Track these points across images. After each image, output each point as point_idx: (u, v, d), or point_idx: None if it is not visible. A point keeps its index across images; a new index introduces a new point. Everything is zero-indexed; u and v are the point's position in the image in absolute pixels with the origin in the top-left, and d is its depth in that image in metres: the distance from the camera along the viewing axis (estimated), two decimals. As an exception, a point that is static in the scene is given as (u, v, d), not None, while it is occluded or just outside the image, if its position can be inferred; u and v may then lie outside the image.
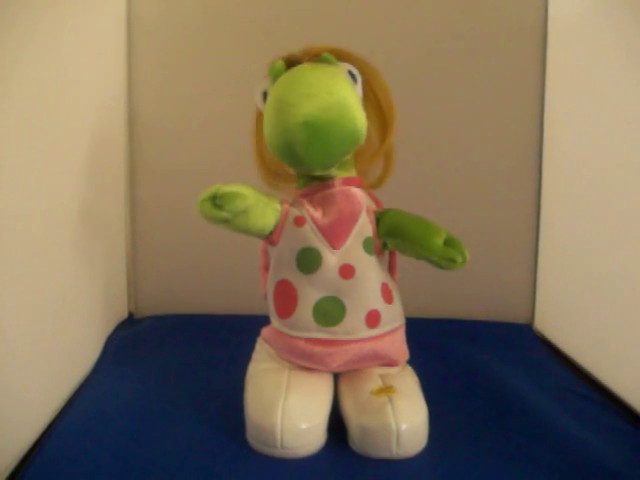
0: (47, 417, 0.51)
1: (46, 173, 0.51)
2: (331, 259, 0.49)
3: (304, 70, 0.47)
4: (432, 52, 0.77)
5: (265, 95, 0.50)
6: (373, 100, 0.51)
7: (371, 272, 0.50)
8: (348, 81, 0.47)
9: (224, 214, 0.46)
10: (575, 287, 0.68)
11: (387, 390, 0.48)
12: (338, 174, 0.50)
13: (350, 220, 0.49)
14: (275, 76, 0.49)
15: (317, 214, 0.49)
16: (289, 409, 0.45)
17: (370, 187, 0.54)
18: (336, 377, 0.52)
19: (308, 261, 0.49)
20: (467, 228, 0.78)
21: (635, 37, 0.56)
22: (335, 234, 0.49)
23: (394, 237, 0.49)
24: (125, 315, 0.80)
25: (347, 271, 0.49)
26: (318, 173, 0.49)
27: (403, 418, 0.45)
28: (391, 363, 0.52)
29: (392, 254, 0.54)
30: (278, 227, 0.50)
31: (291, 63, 0.49)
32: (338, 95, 0.45)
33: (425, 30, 0.77)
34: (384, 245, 0.50)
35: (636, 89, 0.55)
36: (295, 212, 0.50)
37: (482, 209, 0.79)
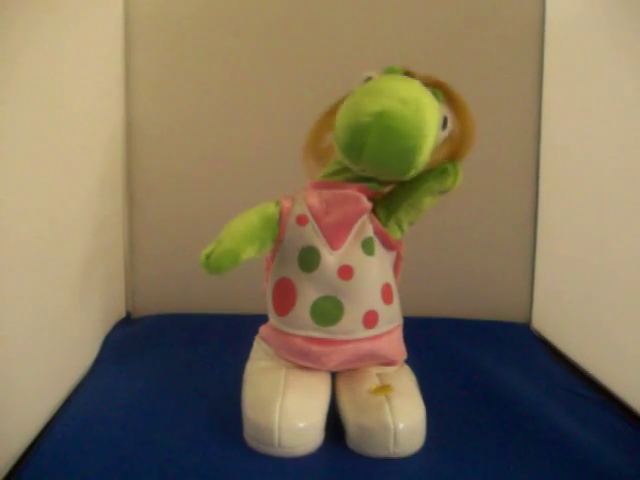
0: (45, 416, 0.51)
1: (43, 174, 0.51)
2: (330, 259, 0.49)
3: (415, 83, 0.46)
4: (429, 53, 0.76)
5: (368, 80, 0.48)
6: (455, 140, 0.50)
7: (370, 273, 0.49)
8: (438, 122, 0.46)
9: (227, 267, 0.48)
10: (572, 286, 0.68)
11: (385, 389, 0.48)
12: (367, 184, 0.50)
13: (349, 221, 0.49)
14: (388, 72, 0.48)
15: (321, 211, 0.49)
16: (287, 408, 0.45)
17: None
18: (334, 376, 0.52)
19: (308, 260, 0.49)
20: (464, 227, 0.80)
21: (632, 38, 0.56)
22: (335, 235, 0.49)
23: (397, 202, 0.49)
24: (123, 314, 0.80)
25: (346, 272, 0.49)
26: (360, 166, 0.47)
27: (401, 417, 0.45)
28: (389, 362, 0.52)
29: (397, 255, 0.53)
30: (281, 228, 0.50)
31: (408, 74, 0.48)
32: (423, 122, 0.44)
33: (423, 31, 0.77)
34: (399, 226, 0.50)
35: (633, 89, 0.55)
36: (297, 210, 0.50)
37: (479, 208, 0.80)
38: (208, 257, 0.48)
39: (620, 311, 0.58)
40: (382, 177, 0.49)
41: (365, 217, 0.50)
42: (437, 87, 0.48)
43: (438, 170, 0.48)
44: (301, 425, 0.45)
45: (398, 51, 0.76)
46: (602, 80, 0.61)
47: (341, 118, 0.46)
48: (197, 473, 0.43)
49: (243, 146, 0.78)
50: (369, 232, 0.50)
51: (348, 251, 0.49)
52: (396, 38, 0.77)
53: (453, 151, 0.49)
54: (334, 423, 0.48)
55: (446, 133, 0.48)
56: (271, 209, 0.50)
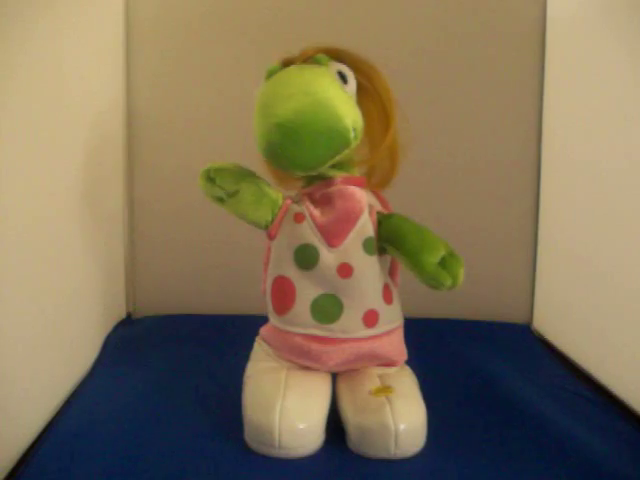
0: (45, 416, 0.51)
1: (44, 172, 0.51)
2: (328, 257, 0.49)
3: (289, 72, 0.47)
4: (431, 53, 0.77)
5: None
6: (374, 96, 0.50)
7: (371, 272, 0.49)
8: (334, 81, 0.46)
9: (217, 190, 0.49)
10: (573, 287, 0.68)
11: (385, 390, 0.48)
12: (337, 174, 0.50)
13: (349, 219, 0.49)
14: (269, 77, 0.48)
15: (316, 212, 0.50)
16: (287, 409, 0.45)
17: (378, 187, 0.53)
18: (334, 377, 0.52)
19: (305, 257, 0.49)
20: (466, 228, 0.79)
21: (633, 37, 0.56)
22: (333, 232, 0.49)
23: (391, 245, 0.49)
24: (123, 315, 0.80)
25: (345, 270, 0.49)
26: (301, 174, 0.49)
27: (401, 418, 0.45)
28: (389, 363, 0.52)
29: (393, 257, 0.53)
30: (276, 221, 0.50)
31: (287, 64, 0.49)
32: (315, 95, 0.44)
33: (424, 30, 0.77)
34: (382, 249, 0.50)
35: (634, 88, 0.55)
36: (296, 208, 0.50)
37: (481, 209, 0.80)
38: (208, 170, 0.49)
39: (621, 312, 0.57)
40: (324, 164, 0.47)
41: (366, 216, 0.50)
42: (324, 53, 0.48)
43: (435, 279, 0.45)
44: (301, 426, 0.45)
45: (400, 52, 0.76)
46: (603, 79, 0.61)
47: (257, 138, 0.47)
48: (198, 473, 0.43)
49: (246, 144, 0.78)
50: (370, 232, 0.50)
51: (348, 249, 0.49)
52: (398, 38, 0.77)
53: (382, 111, 0.50)
54: (335, 424, 0.48)
55: (352, 87, 0.48)
56: (277, 196, 0.51)
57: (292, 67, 0.48)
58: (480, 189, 0.79)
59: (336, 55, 0.49)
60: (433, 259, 0.45)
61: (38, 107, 0.49)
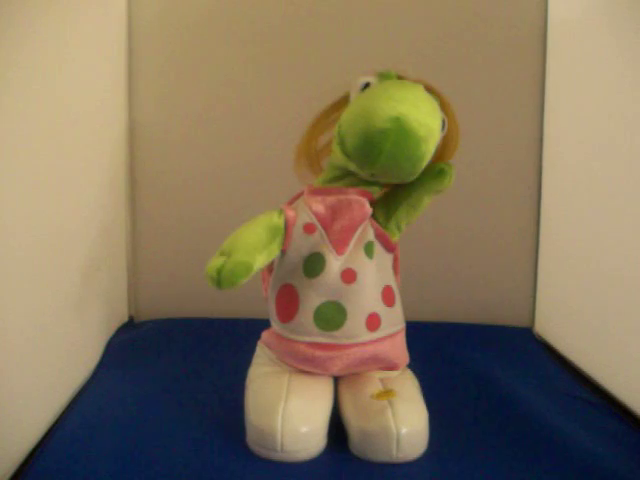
0: (48, 421, 0.51)
1: (46, 177, 0.51)
2: (334, 264, 0.49)
3: (420, 88, 0.47)
4: (432, 55, 0.77)
5: (367, 86, 0.49)
6: (443, 141, 0.50)
7: (372, 276, 0.50)
8: (440, 125, 0.47)
9: (239, 283, 0.46)
10: (575, 290, 0.68)
11: (387, 394, 0.48)
12: (373, 188, 0.51)
13: (354, 227, 0.49)
14: (384, 78, 0.48)
15: (327, 218, 0.49)
16: (289, 413, 0.45)
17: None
18: (336, 381, 0.52)
19: (313, 266, 0.49)
20: (467, 232, 0.80)
21: (635, 40, 0.56)
22: (341, 240, 0.49)
23: (397, 206, 0.50)
24: (125, 319, 0.80)
25: (349, 275, 0.49)
26: (371, 171, 0.47)
27: (403, 422, 0.45)
28: (391, 367, 0.52)
29: (395, 257, 0.53)
30: (286, 238, 0.50)
31: (399, 78, 0.49)
32: (433, 127, 0.45)
33: (425, 33, 0.77)
34: (398, 227, 0.51)
35: (636, 91, 0.55)
36: (303, 219, 0.50)
37: (482, 212, 0.80)
38: (220, 271, 0.45)
39: (623, 315, 0.57)
40: (390, 180, 0.49)
41: (366, 221, 0.50)
42: (430, 91, 0.48)
43: (435, 170, 0.49)
44: (304, 430, 0.45)
45: (400, 54, 0.76)
46: (604, 82, 0.61)
47: (351, 124, 0.46)
48: (200, 477, 0.43)
49: (247, 150, 0.78)
50: (370, 236, 0.50)
51: (352, 255, 0.49)
52: (398, 42, 0.77)
53: (441, 153, 0.51)
54: (337, 428, 0.48)
55: (442, 135, 0.49)
56: (275, 219, 0.49)
57: (422, 86, 0.47)
58: (481, 193, 0.79)
59: (439, 97, 0.49)
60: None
61: (39, 114, 0.50)
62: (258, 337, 0.56)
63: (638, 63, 0.55)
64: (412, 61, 0.77)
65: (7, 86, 0.44)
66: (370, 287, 0.50)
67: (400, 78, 0.49)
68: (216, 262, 0.45)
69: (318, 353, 0.49)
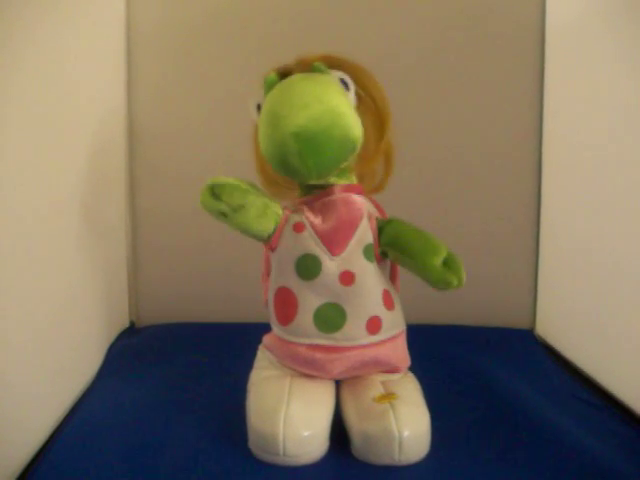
0: (49, 427, 0.51)
1: (46, 180, 0.51)
2: (331, 265, 0.49)
3: (295, 81, 0.48)
4: (430, 56, 0.77)
5: (259, 107, 0.50)
6: (368, 102, 0.51)
7: (372, 279, 0.50)
8: (340, 89, 0.48)
9: (222, 206, 0.47)
10: (576, 292, 0.68)
11: (389, 397, 0.48)
12: (337, 182, 0.50)
13: (350, 227, 0.49)
14: (268, 88, 0.49)
15: (317, 220, 0.50)
16: (291, 417, 0.45)
17: (372, 191, 0.54)
18: (338, 384, 0.52)
19: (308, 267, 0.49)
20: (467, 233, 0.80)
21: (632, 41, 0.56)
22: (334, 241, 0.49)
23: (394, 249, 0.49)
24: (126, 324, 0.80)
25: (347, 278, 0.49)
26: (314, 182, 0.49)
27: (405, 425, 0.45)
28: (393, 370, 0.52)
29: (391, 263, 0.54)
30: (277, 232, 0.50)
31: (284, 74, 0.49)
32: (329, 104, 0.45)
33: (423, 34, 0.77)
34: (383, 254, 0.50)
35: (634, 92, 0.55)
36: (295, 218, 0.50)
37: (482, 213, 0.80)
38: (212, 186, 0.48)
39: (624, 316, 0.57)
40: (333, 168, 0.48)
41: (365, 222, 0.50)
42: (335, 66, 0.49)
43: (443, 279, 0.46)
44: (306, 434, 0.45)
45: (398, 55, 0.77)
46: (603, 83, 0.61)
47: (265, 150, 0.47)
48: (202, 482, 0.43)
49: (247, 150, 0.78)
50: (370, 239, 0.50)
51: (350, 257, 0.49)
52: (396, 42, 0.77)
53: (376, 123, 0.51)
54: (339, 431, 0.48)
55: (352, 94, 0.49)
56: (277, 206, 0.50)
57: (297, 76, 0.48)
58: (481, 193, 0.79)
59: (333, 63, 0.50)
60: (437, 261, 0.47)
61: (38, 114, 0.50)
62: (259, 341, 0.56)
63: (635, 63, 0.55)
64: (411, 62, 0.78)
65: (6, 89, 0.44)
66: (370, 290, 0.49)
67: (283, 73, 0.49)
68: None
69: (318, 355, 0.49)
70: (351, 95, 0.49)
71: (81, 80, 0.60)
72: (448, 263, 0.47)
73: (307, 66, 0.49)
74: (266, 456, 0.45)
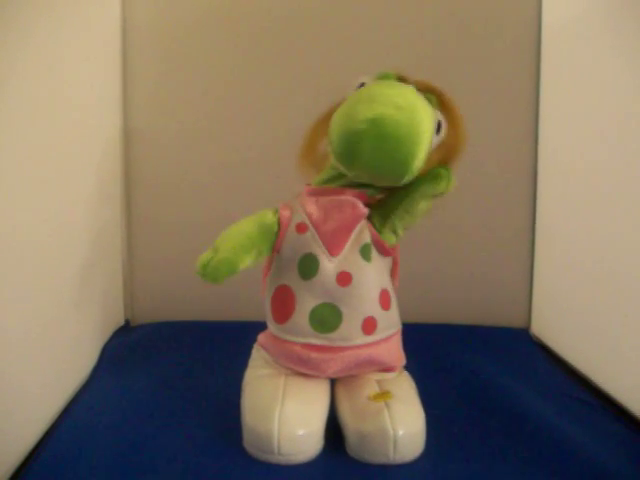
0: (44, 424, 0.50)
1: (41, 181, 0.51)
2: (328, 266, 0.49)
3: (409, 89, 0.46)
4: (426, 58, 0.77)
5: (361, 86, 0.49)
6: (447, 145, 0.50)
7: (368, 279, 0.50)
8: (431, 127, 0.45)
9: (222, 279, 0.48)
10: (572, 291, 0.68)
11: (384, 395, 0.48)
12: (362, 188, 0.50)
13: (348, 227, 0.49)
14: (379, 78, 0.48)
15: (319, 218, 0.49)
16: (286, 415, 0.45)
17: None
18: (333, 383, 0.52)
19: (307, 267, 0.49)
20: (463, 233, 0.80)
21: (629, 41, 0.56)
22: (334, 241, 0.49)
23: (389, 206, 0.49)
24: (122, 322, 0.80)
25: (344, 278, 0.49)
26: (363, 177, 0.47)
27: (400, 423, 0.45)
28: (388, 369, 0.52)
29: (394, 260, 0.53)
30: (279, 237, 0.50)
31: (400, 79, 0.49)
32: (417, 127, 0.43)
33: (419, 35, 0.77)
34: (394, 233, 0.50)
35: (631, 92, 0.55)
36: (296, 219, 0.50)
37: (478, 213, 0.80)
38: (205, 267, 0.48)
39: (619, 315, 0.58)
40: (377, 183, 0.49)
41: (363, 223, 0.50)
42: (430, 92, 0.48)
43: (431, 175, 0.48)
44: (300, 432, 0.45)
45: (395, 56, 0.76)
46: (599, 83, 0.61)
47: (335, 125, 0.46)
48: (197, 481, 0.43)
49: (242, 152, 0.78)
50: (367, 239, 0.50)
51: (347, 257, 0.49)
52: (393, 43, 0.77)
53: (444, 157, 0.50)
54: (334, 430, 0.48)
55: (439, 138, 0.48)
56: (269, 218, 0.50)
57: (413, 88, 0.46)
58: (477, 193, 0.79)
59: (438, 96, 0.49)
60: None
61: (34, 116, 0.49)
62: (254, 340, 0.56)
63: (632, 63, 0.56)
64: (409, 63, 0.77)
65: (1, 89, 0.44)
66: (367, 290, 0.49)
67: (401, 79, 0.49)
68: (205, 257, 0.48)
69: (313, 355, 0.49)
70: (436, 139, 0.48)
71: (76, 83, 0.60)
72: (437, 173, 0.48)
73: (423, 89, 0.48)
74: (261, 455, 0.45)
